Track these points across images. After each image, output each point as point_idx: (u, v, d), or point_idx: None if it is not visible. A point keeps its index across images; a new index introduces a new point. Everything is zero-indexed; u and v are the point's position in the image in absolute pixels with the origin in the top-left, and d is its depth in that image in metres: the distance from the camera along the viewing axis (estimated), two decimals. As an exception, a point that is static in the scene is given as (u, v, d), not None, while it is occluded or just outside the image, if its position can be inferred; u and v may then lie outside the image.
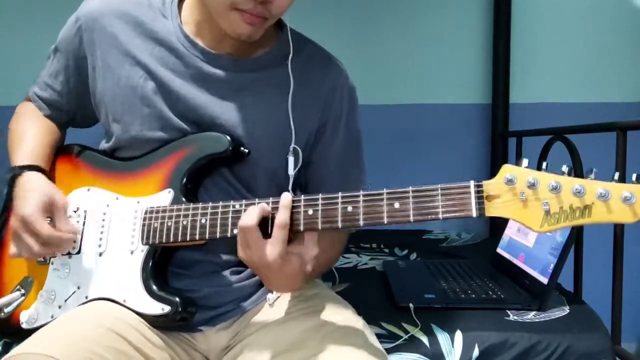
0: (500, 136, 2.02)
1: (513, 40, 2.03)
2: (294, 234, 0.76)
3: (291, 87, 0.91)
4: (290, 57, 0.91)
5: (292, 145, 0.91)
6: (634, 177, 0.62)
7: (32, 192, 0.87)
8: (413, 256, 1.70)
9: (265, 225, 0.75)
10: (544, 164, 0.66)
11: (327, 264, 0.98)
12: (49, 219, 0.86)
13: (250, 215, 0.74)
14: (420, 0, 2.07)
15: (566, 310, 1.17)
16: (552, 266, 1.16)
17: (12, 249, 0.88)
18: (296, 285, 0.80)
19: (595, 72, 2.09)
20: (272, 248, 0.73)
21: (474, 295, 1.21)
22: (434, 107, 2.10)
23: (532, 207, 0.65)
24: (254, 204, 0.77)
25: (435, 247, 1.81)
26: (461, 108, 2.10)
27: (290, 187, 0.91)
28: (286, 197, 0.75)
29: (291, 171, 0.91)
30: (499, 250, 1.47)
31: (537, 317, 1.12)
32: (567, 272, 1.23)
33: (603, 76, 2.08)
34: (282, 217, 0.74)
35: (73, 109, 1.01)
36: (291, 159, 0.91)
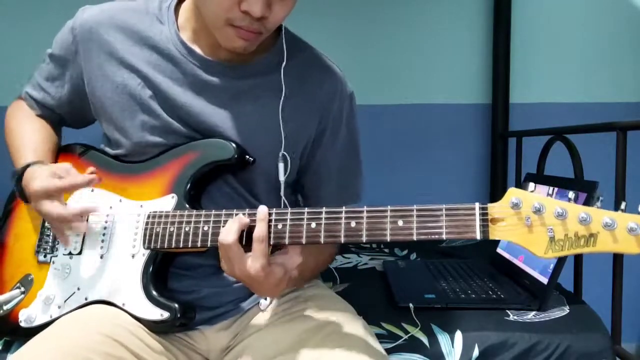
0: (500, 136, 2.02)
1: (513, 40, 2.02)
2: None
3: (282, 94, 0.90)
4: (283, 65, 0.91)
5: (282, 152, 0.90)
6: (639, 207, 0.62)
7: (38, 175, 0.86)
8: (413, 256, 1.70)
9: (245, 237, 0.74)
10: (552, 190, 0.65)
11: (318, 267, 0.98)
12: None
13: (229, 230, 0.74)
14: (420, 0, 2.07)
15: (566, 310, 1.17)
16: (552, 266, 1.16)
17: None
18: (280, 291, 0.79)
19: (595, 72, 2.08)
20: (254, 262, 0.73)
21: (474, 296, 1.21)
22: (434, 107, 2.09)
23: (537, 233, 0.65)
24: (255, 213, 0.77)
25: (435, 247, 1.81)
26: (461, 108, 2.10)
27: (282, 193, 0.91)
28: (262, 211, 0.74)
29: (281, 177, 0.91)
30: (499, 250, 1.47)
31: (537, 317, 1.12)
32: (567, 272, 1.23)
33: (603, 76, 2.08)
34: (259, 230, 0.73)
35: (65, 112, 1.02)
36: (281, 165, 0.91)
